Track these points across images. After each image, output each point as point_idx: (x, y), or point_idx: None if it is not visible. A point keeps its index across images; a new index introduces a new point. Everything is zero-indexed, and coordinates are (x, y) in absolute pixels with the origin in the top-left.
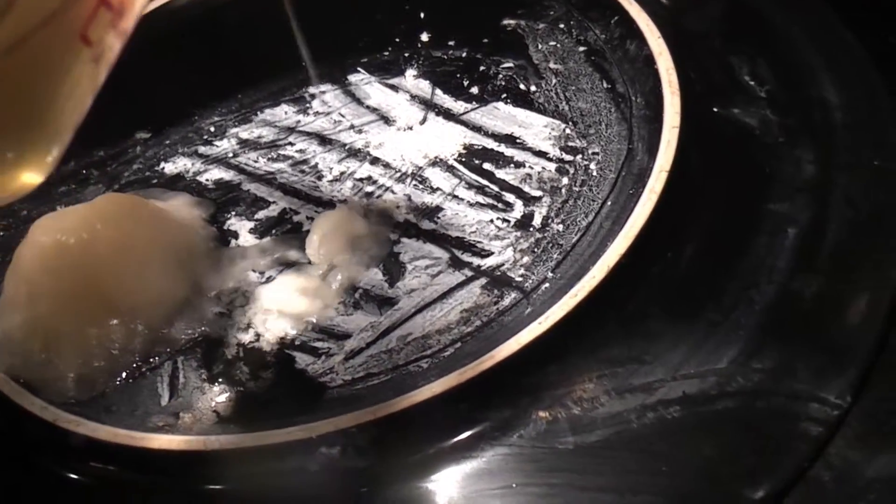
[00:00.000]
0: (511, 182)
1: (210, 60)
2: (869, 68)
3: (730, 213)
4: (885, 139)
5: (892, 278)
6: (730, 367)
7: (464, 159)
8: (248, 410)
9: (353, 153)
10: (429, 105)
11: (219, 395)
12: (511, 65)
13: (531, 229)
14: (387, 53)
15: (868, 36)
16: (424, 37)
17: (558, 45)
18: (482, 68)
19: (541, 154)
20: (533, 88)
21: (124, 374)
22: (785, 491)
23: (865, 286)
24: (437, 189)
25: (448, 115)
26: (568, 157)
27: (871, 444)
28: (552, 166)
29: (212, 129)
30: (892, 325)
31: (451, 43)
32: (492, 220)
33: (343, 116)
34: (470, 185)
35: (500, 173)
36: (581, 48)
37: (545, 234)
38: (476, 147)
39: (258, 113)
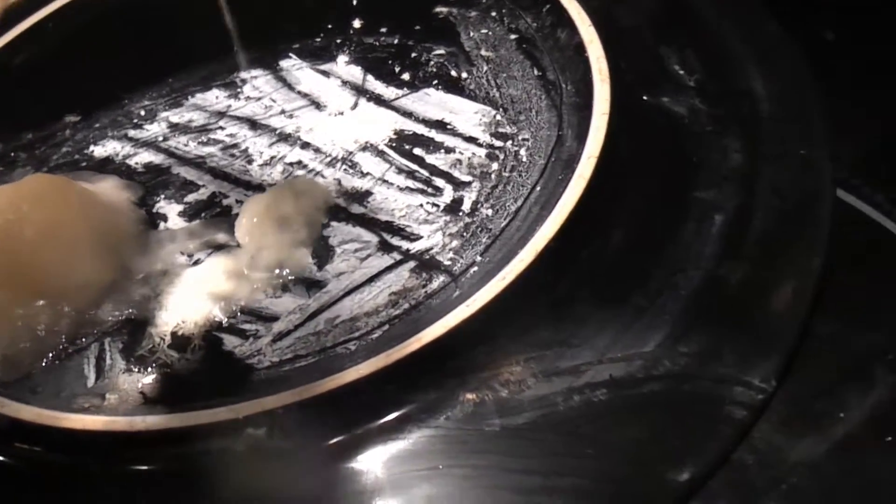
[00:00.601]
0: (441, 167)
1: (141, 44)
2: (797, 60)
3: (657, 199)
4: (811, 129)
5: (816, 266)
6: (656, 350)
7: (394, 144)
8: (175, 392)
9: (284, 138)
10: (360, 91)
11: (145, 377)
12: (443, 52)
13: (460, 214)
14: (319, 39)
15: (797, 28)
16: (357, 23)
17: (490, 33)
18: (414, 55)
19: (471, 140)
20: (464, 75)
21: (50, 356)
22: (709, 473)
23: (790, 273)
24: (368, 174)
25: (379, 100)
26: (498, 143)
27: (794, 428)
28: (482, 152)
29: (142, 112)
30: (816, 311)
31: (383, 29)
32: (421, 205)
33: (274, 101)
34: (400, 170)
35: (431, 158)
36: (512, 36)
37: (474, 219)
38: (407, 132)
39: (189, 97)
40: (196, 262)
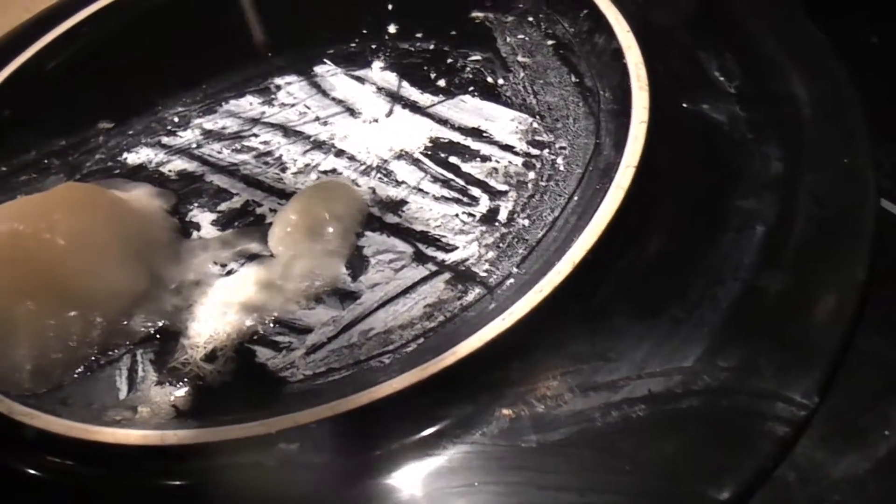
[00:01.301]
0: (477, 176)
1: (175, 49)
2: (839, 65)
3: (696, 208)
4: (853, 136)
5: (858, 276)
6: (695, 364)
7: (429, 152)
8: (207, 405)
9: (318, 145)
10: (395, 97)
11: (177, 390)
12: (479, 58)
13: (496, 224)
14: (353, 45)
15: (837, 31)
16: (392, 28)
17: (526, 39)
18: (449, 61)
19: (507, 148)
20: (500, 82)
21: (81, 367)
22: (750, 491)
23: (832, 284)
24: (402, 182)
25: (414, 107)
26: (535, 152)
27: (836, 444)
28: (519, 160)
29: (175, 119)
30: (859, 323)
31: (419, 35)
32: (457, 215)
33: (308, 108)
34: (435, 179)
35: (466, 167)
36: (549, 42)
37: (510, 229)
38: (442, 140)
39: (223, 104)
40: (229, 272)
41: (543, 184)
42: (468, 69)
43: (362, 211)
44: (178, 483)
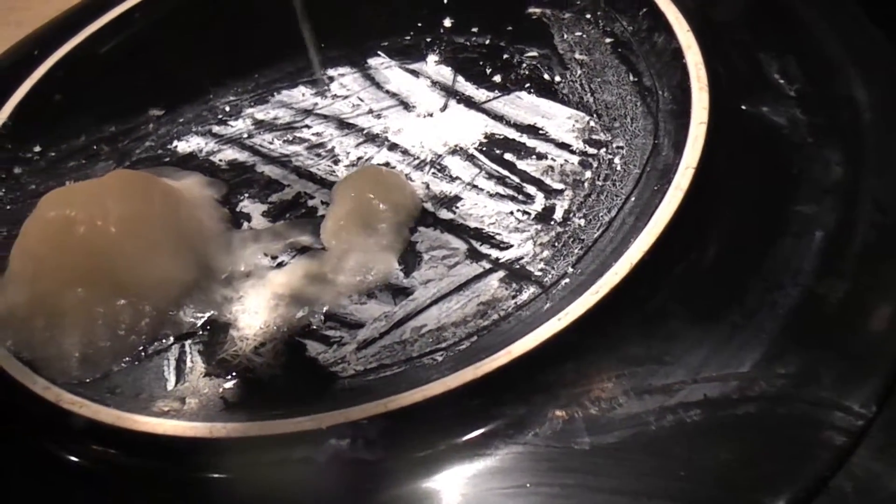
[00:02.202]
0: (532, 174)
1: (228, 37)
2: None
3: (755, 213)
4: None
5: None
6: (752, 371)
7: (484, 149)
8: (256, 398)
9: (371, 138)
10: (450, 92)
11: (226, 382)
12: (535, 54)
13: (552, 223)
14: (408, 38)
15: None
16: (447, 22)
17: (584, 36)
18: (505, 56)
19: (564, 146)
20: (557, 79)
21: (130, 356)
22: (805, 501)
23: (892, 292)
24: (457, 178)
25: (469, 102)
26: (591, 151)
27: (894, 455)
28: (575, 159)
29: (227, 108)
30: None
31: (475, 29)
32: (511, 212)
33: (362, 100)
34: (490, 175)
35: (522, 164)
36: (608, 39)
37: (566, 229)
38: (497, 136)
39: (275, 94)
40: (280, 265)
41: (600, 183)
42: (524, 65)
43: (416, 206)
44: (225, 476)
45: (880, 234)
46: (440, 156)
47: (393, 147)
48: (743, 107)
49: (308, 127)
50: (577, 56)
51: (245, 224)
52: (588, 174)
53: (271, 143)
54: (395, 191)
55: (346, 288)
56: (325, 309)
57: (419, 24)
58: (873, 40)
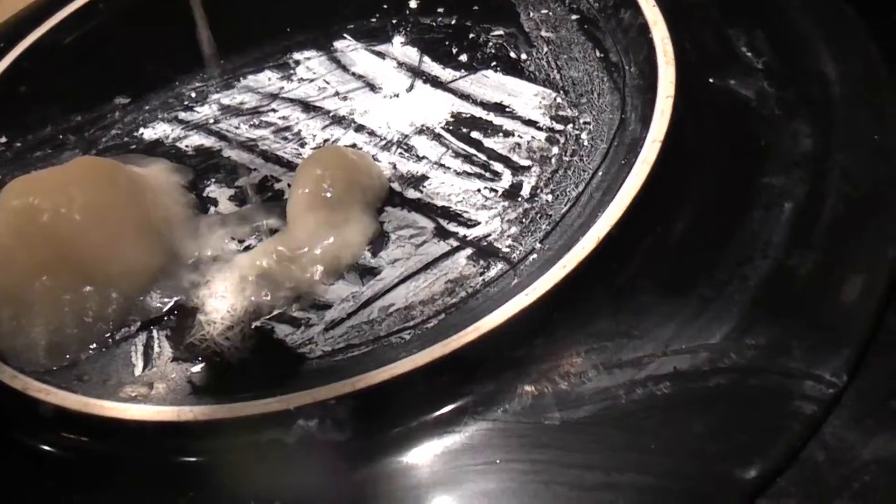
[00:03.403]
0: (500, 151)
1: (193, 24)
2: (868, 42)
3: (724, 185)
4: (883, 114)
5: (889, 255)
6: (722, 342)
7: (451, 128)
8: (224, 381)
9: (338, 120)
10: (416, 72)
11: (194, 366)
12: (501, 32)
13: (519, 199)
14: (374, 20)
15: (867, 9)
16: (413, 3)
17: (550, 13)
18: (472, 36)
19: (530, 123)
20: (524, 57)
21: (97, 343)
22: (778, 471)
23: (862, 263)
24: (424, 157)
25: (436, 82)
26: (559, 127)
27: (866, 424)
28: (542, 136)
29: (193, 94)
30: (889, 302)
31: (440, 10)
32: (479, 190)
33: (328, 83)
34: (457, 154)
35: (489, 142)
36: (574, 16)
37: (534, 205)
38: (464, 115)
39: (241, 79)
40: (247, 248)
41: (567, 159)
42: (491, 44)
43: (383, 186)
44: (194, 460)
45: (849, 206)
46: (407, 136)
47: (359, 129)
48: (710, 80)
49: (274, 111)
50: (543, 33)
51: (212, 209)
52: (555, 150)
53: (237, 127)
54: (358, 169)
55: (313, 269)
56: (292, 291)
57: (385, 6)
58: (842, 14)
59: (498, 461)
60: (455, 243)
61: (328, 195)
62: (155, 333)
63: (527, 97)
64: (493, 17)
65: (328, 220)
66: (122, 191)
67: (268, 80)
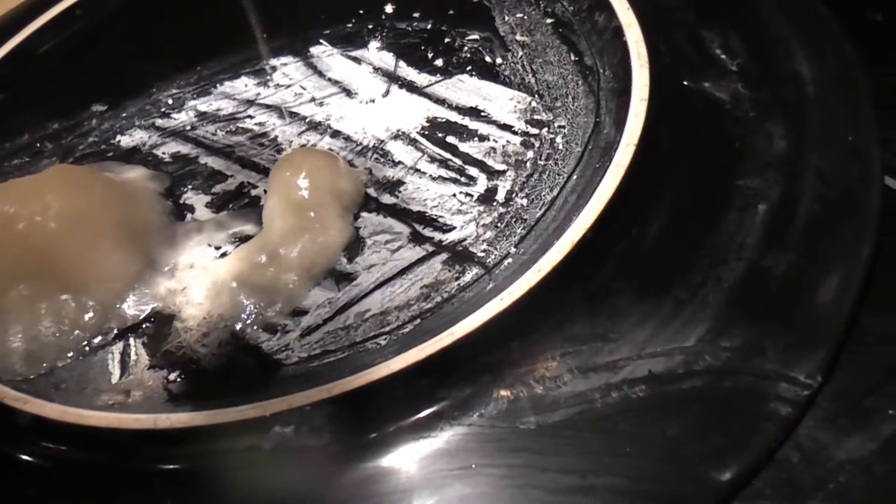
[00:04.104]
0: (475, 156)
1: (169, 31)
2: (843, 42)
3: (699, 188)
4: (858, 115)
5: (863, 256)
6: (697, 345)
7: (427, 132)
8: (201, 388)
9: (314, 126)
10: (392, 77)
11: (171, 373)
12: (477, 37)
13: (494, 204)
14: (350, 25)
15: (842, 10)
16: (389, 8)
17: (525, 17)
18: (447, 40)
19: (506, 127)
20: (499, 61)
21: (74, 351)
22: (753, 472)
23: (836, 264)
24: (399, 162)
25: (412, 87)
26: (533, 131)
27: (841, 425)
28: (517, 140)
29: (170, 101)
30: (863, 303)
31: (416, 14)
32: (454, 195)
33: (304, 89)
34: (433, 159)
35: (464, 147)
36: (548, 20)
37: (509, 209)
38: (440, 120)
39: (217, 85)
40: (224, 255)
41: (542, 163)
42: (466, 48)
43: (358, 190)
44: (172, 467)
45: (824, 207)
46: (383, 141)
47: (336, 134)
48: (685, 83)
49: (251, 117)
50: (518, 37)
51: (189, 216)
52: (530, 154)
53: (214, 134)
54: (331, 169)
55: (289, 275)
56: (268, 297)
57: (361, 11)
58: (817, 15)
59: (474, 465)
60: (430, 248)
61: (303, 197)
62: (132, 341)
63: (502, 101)
64: (469, 21)
65: (304, 226)
66: (99, 198)
67: (244, 86)
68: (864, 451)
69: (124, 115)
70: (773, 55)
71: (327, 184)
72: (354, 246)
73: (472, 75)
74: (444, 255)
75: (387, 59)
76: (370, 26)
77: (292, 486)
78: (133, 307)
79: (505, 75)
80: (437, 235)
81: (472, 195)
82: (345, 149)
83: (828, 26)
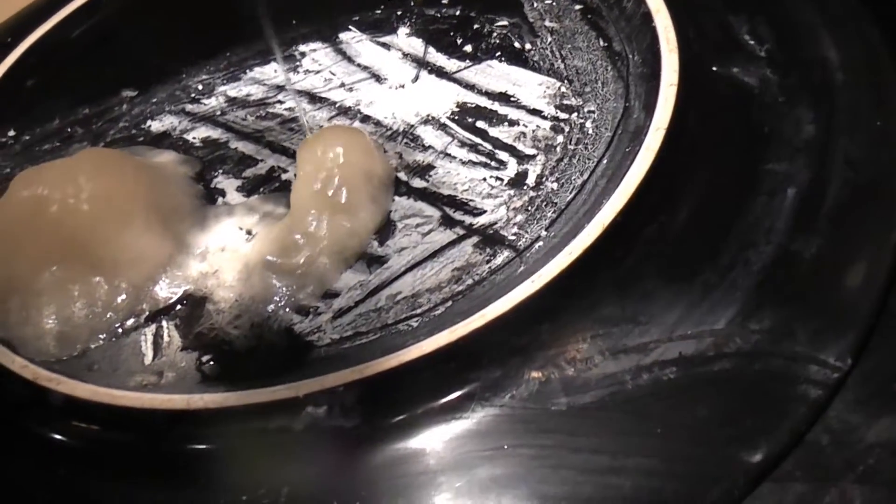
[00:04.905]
0: (505, 140)
1: (199, 16)
2: (871, 28)
3: (728, 172)
4: (886, 99)
5: (891, 240)
6: (727, 327)
7: (456, 117)
8: (233, 369)
9: (344, 111)
10: (421, 63)
11: (203, 354)
12: (505, 23)
13: (525, 187)
14: (379, 11)
15: None
16: None
17: (554, 3)
18: (476, 26)
19: (535, 112)
20: (528, 47)
21: (107, 333)
22: (783, 454)
23: (865, 248)
24: (429, 147)
25: (441, 73)
26: (563, 116)
27: (870, 407)
28: (547, 124)
29: (199, 87)
30: (892, 287)
31: (445, 1)
32: (485, 179)
33: (333, 74)
34: (462, 144)
35: (494, 131)
36: (577, 6)
37: (539, 193)
38: (469, 105)
39: (247, 71)
40: (255, 237)
41: (572, 147)
42: (495, 34)
43: (388, 172)
44: (204, 447)
45: (852, 191)
46: (412, 126)
47: (365, 119)
48: (714, 68)
49: (280, 102)
50: (546, 23)
51: (220, 200)
52: (560, 139)
53: (244, 119)
54: (369, 158)
55: (321, 258)
56: (300, 279)
57: None
58: (845, 0)
59: (505, 447)
60: (461, 232)
61: (332, 175)
62: (164, 323)
63: (531, 87)
64: (497, 7)
65: (334, 206)
66: (130, 181)
67: (274, 72)
68: (893, 434)
69: (154, 100)
70: (801, 40)
71: (356, 161)
72: (385, 229)
73: (501, 61)
74: (474, 239)
75: (416, 45)
76: (399, 12)
77: (323, 466)
78: (165, 289)
79: (534, 61)
80: (468, 219)
81: (502, 179)
82: (375, 133)
83: (855, 11)
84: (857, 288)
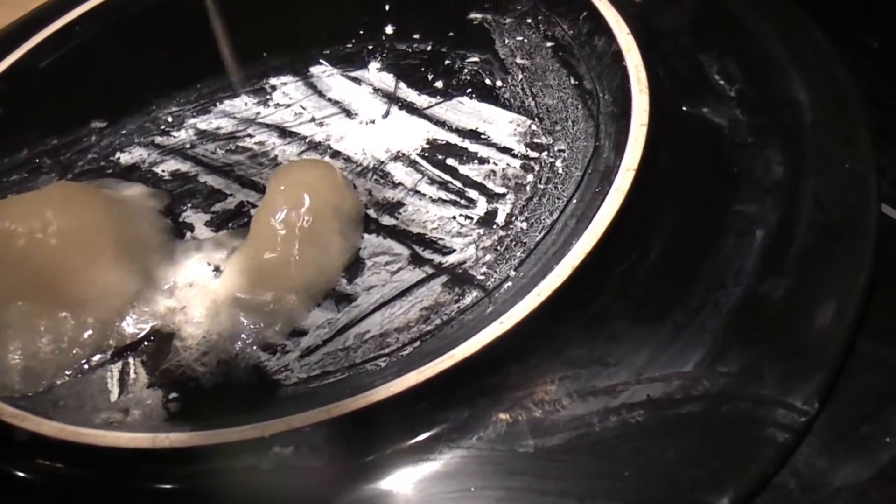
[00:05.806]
0: (475, 178)
1: (170, 48)
2: (840, 68)
3: (697, 213)
4: (855, 141)
5: (860, 282)
6: (695, 370)
7: (427, 154)
8: (200, 407)
9: (314, 146)
10: (392, 98)
11: (170, 392)
12: (477, 59)
13: (494, 226)
14: (350, 45)
15: (839, 35)
16: (389, 29)
17: (525, 41)
18: (447, 62)
19: (505, 150)
20: (499, 83)
21: (73, 369)
22: (750, 498)
23: (833, 290)
24: (399, 184)
25: (411, 109)
26: (533, 154)
27: (837, 451)
28: (517, 163)
29: (169, 119)
30: (860, 329)
31: (416, 36)
32: (454, 217)
33: (304, 109)
34: (433, 181)
35: (464, 169)
36: (548, 43)
37: (509, 232)
38: (439, 142)
39: (217, 104)
40: (223, 274)
41: (542, 186)
42: (466, 71)
43: (358, 209)
44: (170, 486)
45: (821, 232)
46: (383, 162)
47: (335, 154)
48: (683, 108)
49: (251, 136)
50: (518, 60)
51: (188, 234)
52: (530, 177)
53: (214, 152)
54: (329, 184)
55: (289, 295)
56: (267, 317)
57: (361, 32)
58: (814, 41)
59: (472, 489)
60: (430, 270)
61: (300, 209)
62: (130, 359)
63: (502, 124)
64: (469, 43)
65: (303, 248)
66: (98, 215)
67: (244, 105)
68: (860, 478)
69: (124, 132)
70: (771, 81)
71: (326, 196)
72: (354, 266)
73: (472, 97)
74: (443, 278)
75: (387, 80)
76: (370, 47)
77: None
78: (132, 325)
79: (505, 98)
80: (437, 258)
81: (471, 218)
82: (345, 169)
83: (825, 52)
84: (825, 330)
